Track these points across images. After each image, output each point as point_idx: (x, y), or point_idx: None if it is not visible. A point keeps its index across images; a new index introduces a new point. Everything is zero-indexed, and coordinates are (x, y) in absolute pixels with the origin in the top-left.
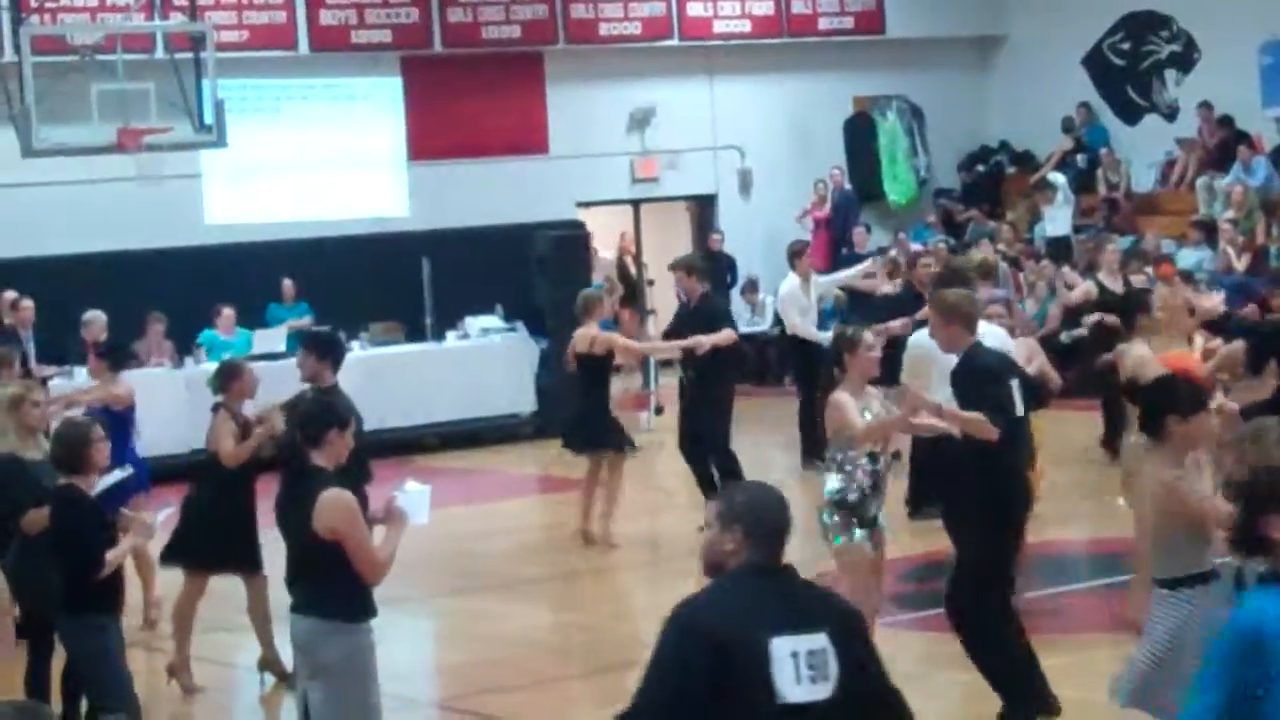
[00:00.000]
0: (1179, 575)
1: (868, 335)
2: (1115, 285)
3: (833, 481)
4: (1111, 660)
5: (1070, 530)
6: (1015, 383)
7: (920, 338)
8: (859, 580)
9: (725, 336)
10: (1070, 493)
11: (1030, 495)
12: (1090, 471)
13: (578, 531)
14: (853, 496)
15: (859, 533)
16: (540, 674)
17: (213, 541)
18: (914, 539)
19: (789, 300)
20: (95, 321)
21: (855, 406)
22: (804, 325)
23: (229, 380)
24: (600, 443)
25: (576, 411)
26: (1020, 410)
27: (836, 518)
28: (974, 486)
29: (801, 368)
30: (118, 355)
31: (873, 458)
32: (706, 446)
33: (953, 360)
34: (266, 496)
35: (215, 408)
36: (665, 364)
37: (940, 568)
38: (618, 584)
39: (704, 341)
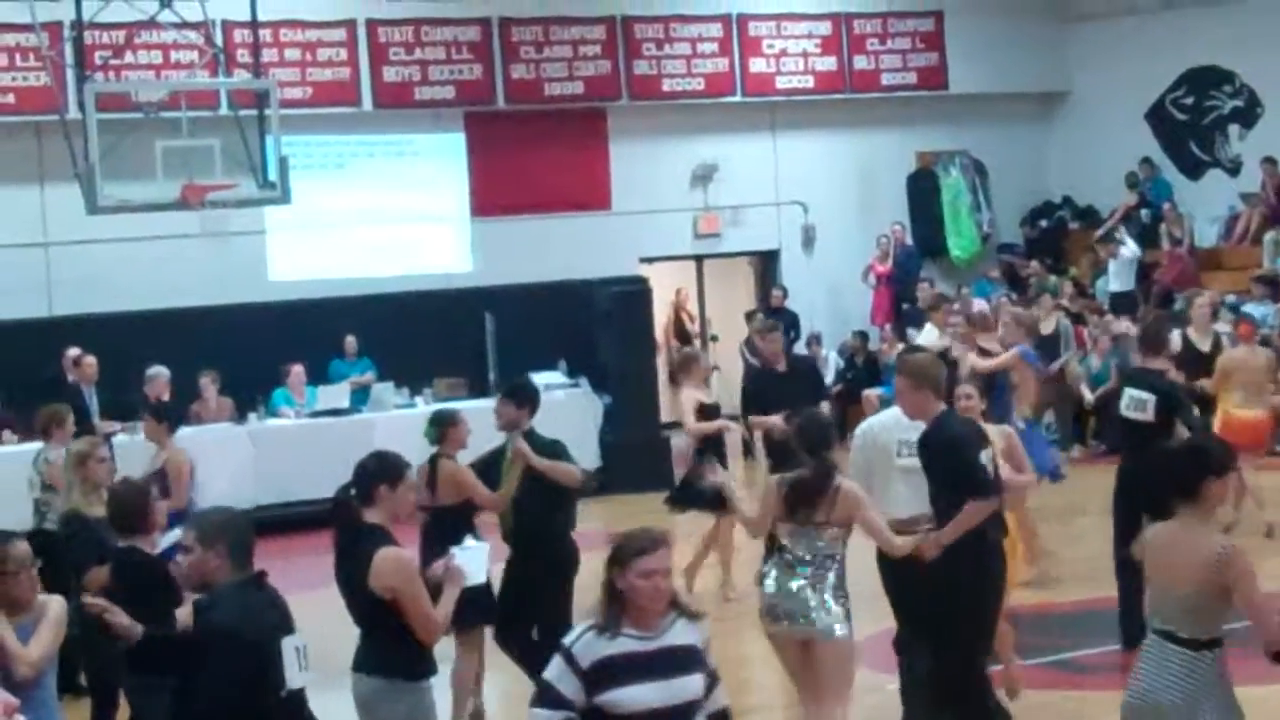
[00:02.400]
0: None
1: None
2: (1204, 344)
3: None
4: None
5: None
6: (987, 453)
7: (882, 419)
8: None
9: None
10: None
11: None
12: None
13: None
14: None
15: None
16: None
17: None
18: None
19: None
20: (159, 377)
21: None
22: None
23: (446, 427)
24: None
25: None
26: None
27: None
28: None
29: None
30: (175, 417)
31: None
32: None
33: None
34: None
35: (433, 459)
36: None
37: None
38: None
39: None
